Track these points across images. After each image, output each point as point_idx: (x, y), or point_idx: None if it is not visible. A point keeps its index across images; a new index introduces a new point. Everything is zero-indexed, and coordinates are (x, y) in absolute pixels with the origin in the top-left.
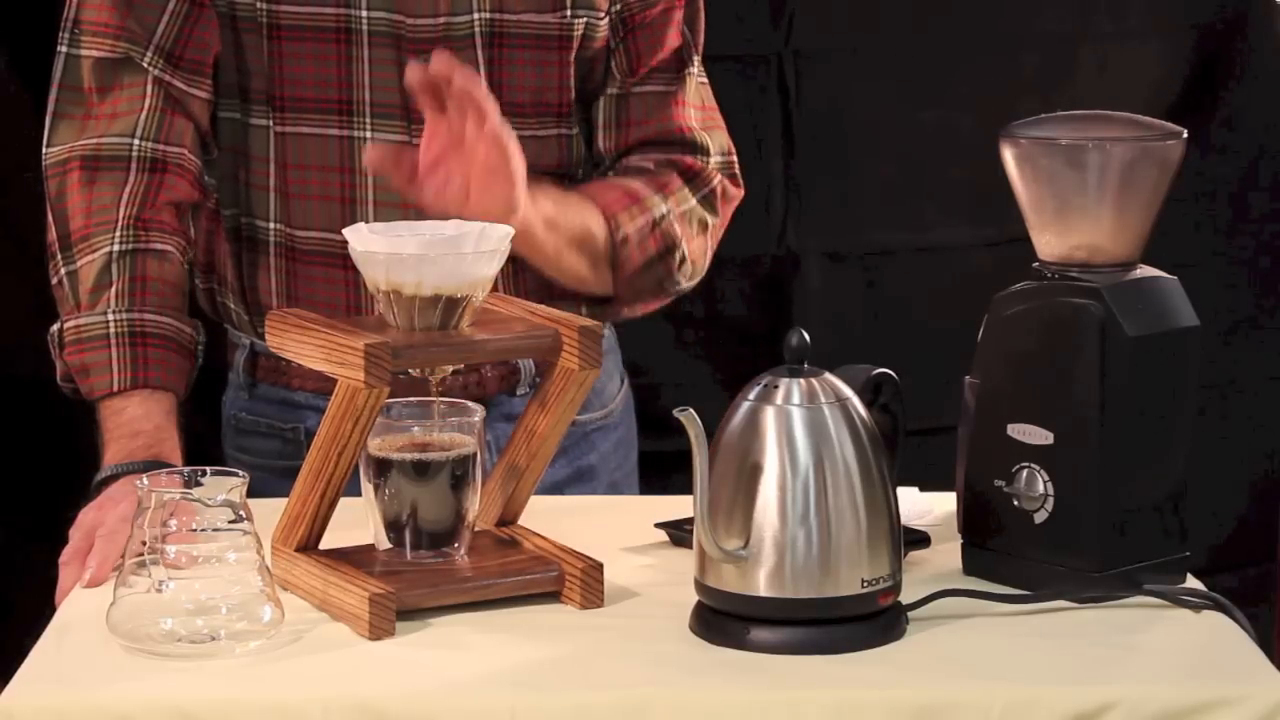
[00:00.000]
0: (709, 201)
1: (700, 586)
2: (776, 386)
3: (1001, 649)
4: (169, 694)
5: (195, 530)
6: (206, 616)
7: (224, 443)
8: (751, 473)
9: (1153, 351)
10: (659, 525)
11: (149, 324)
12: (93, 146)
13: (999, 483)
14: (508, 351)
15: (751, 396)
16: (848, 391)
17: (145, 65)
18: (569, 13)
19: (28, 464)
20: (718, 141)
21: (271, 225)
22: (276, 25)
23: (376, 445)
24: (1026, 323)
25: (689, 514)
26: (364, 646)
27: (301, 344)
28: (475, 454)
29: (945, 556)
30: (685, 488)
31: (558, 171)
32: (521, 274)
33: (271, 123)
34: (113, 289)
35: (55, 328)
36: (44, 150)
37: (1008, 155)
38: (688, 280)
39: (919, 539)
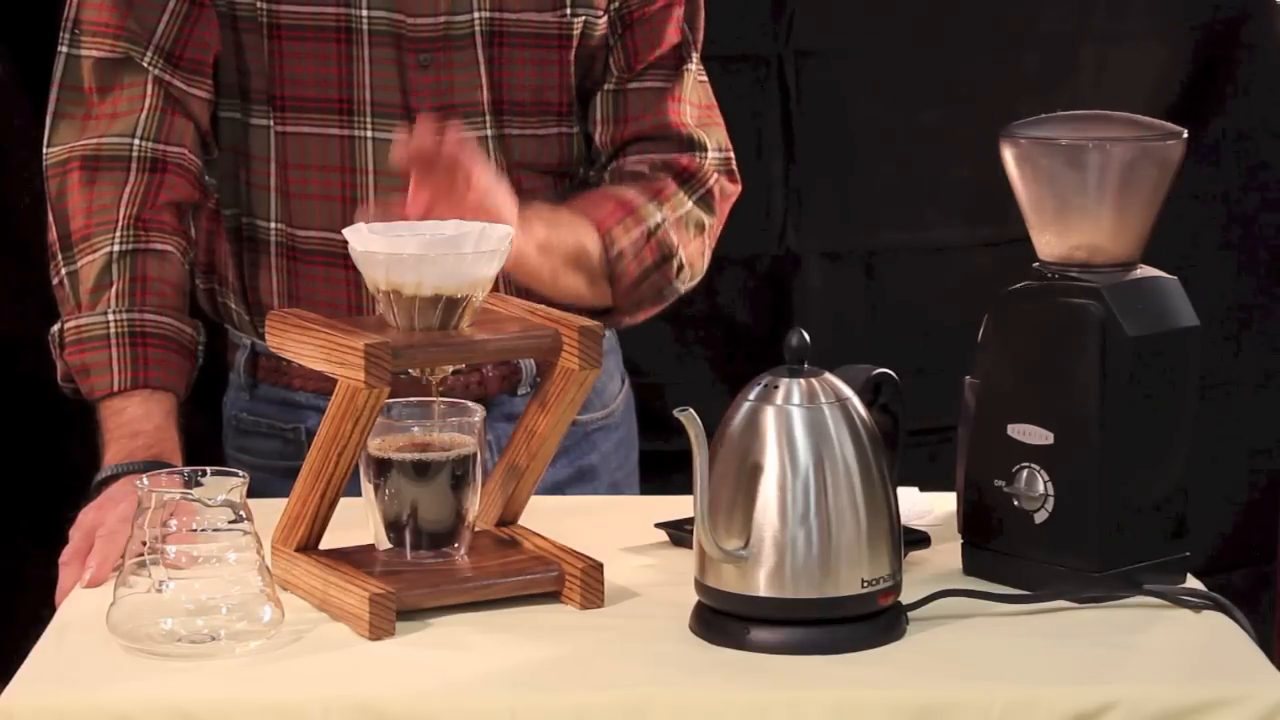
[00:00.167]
0: (706, 202)
1: (700, 586)
2: (776, 386)
3: (1001, 649)
4: (169, 694)
5: (195, 530)
6: (206, 616)
7: (225, 443)
8: (751, 473)
9: (1153, 351)
10: (659, 525)
11: (149, 324)
12: (93, 146)
13: (999, 483)
14: (508, 351)
15: (751, 396)
16: (848, 391)
17: (145, 65)
18: (568, 11)
19: (28, 464)
20: (715, 139)
21: (272, 225)
22: (277, 25)
23: (376, 445)
24: (1026, 323)
25: (689, 514)
26: (364, 646)
27: (301, 344)
28: (475, 454)
29: (945, 556)
30: (685, 488)
31: (559, 170)
32: None
33: (272, 122)
34: (113, 289)
35: (55, 328)
36: (44, 150)
37: (1008, 155)
38: (687, 284)
39: (919, 539)
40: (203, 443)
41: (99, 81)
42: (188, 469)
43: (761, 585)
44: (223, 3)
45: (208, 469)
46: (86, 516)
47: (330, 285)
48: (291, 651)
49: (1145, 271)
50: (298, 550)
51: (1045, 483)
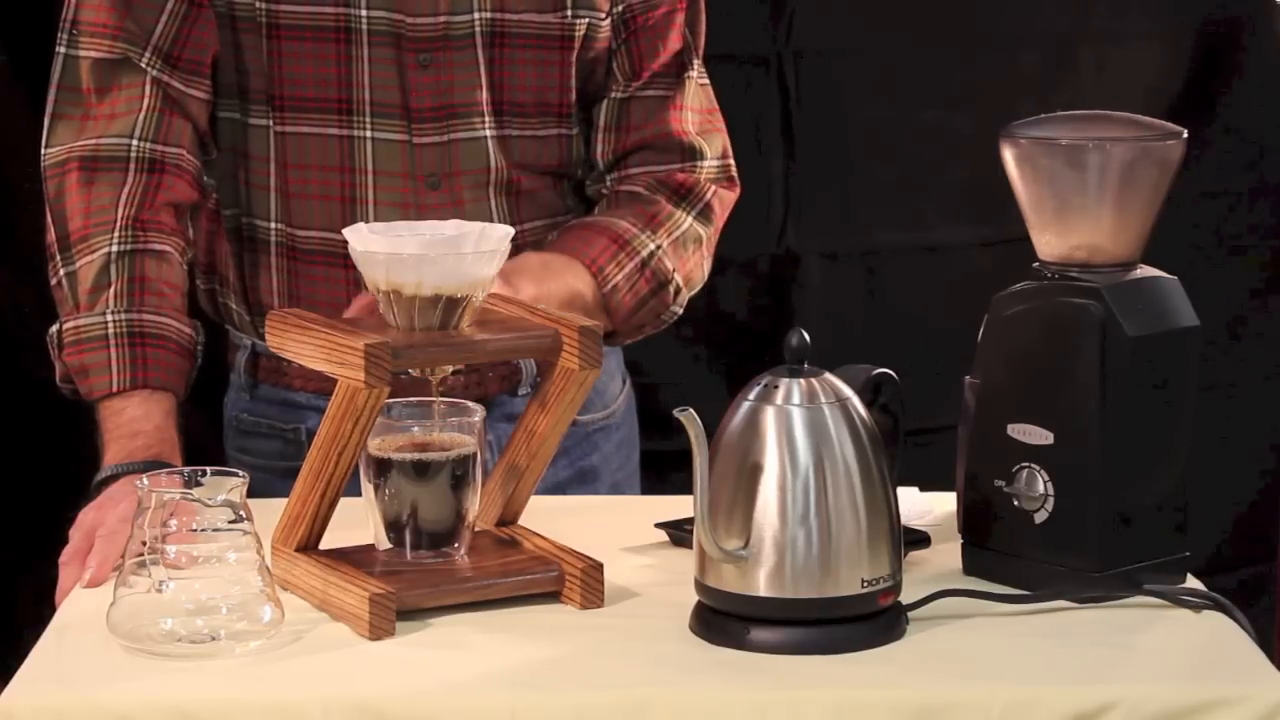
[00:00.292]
0: (704, 216)
1: (700, 586)
2: (776, 386)
3: (1001, 649)
4: (169, 694)
5: (195, 530)
6: (206, 616)
7: (225, 443)
8: (751, 473)
9: (1153, 351)
10: (659, 525)
11: (148, 324)
12: (91, 147)
13: (999, 483)
14: (508, 351)
15: (751, 396)
16: (848, 391)
17: (143, 66)
18: (570, 13)
19: (28, 464)
20: (714, 145)
21: (272, 225)
22: (276, 25)
23: (376, 445)
24: (1026, 323)
25: (689, 514)
26: (364, 646)
27: (302, 344)
28: (475, 454)
29: (945, 556)
30: (685, 488)
31: (558, 170)
32: None
33: (271, 122)
34: (111, 289)
35: (54, 328)
36: (42, 151)
37: (1008, 155)
38: (685, 301)
39: (919, 539)
40: (203, 443)
41: (97, 82)
42: (188, 469)
43: (761, 585)
44: (221, 3)
45: (208, 469)
46: (86, 516)
47: (330, 285)
48: (291, 651)
49: (1145, 271)
50: (298, 550)
51: (1045, 483)
